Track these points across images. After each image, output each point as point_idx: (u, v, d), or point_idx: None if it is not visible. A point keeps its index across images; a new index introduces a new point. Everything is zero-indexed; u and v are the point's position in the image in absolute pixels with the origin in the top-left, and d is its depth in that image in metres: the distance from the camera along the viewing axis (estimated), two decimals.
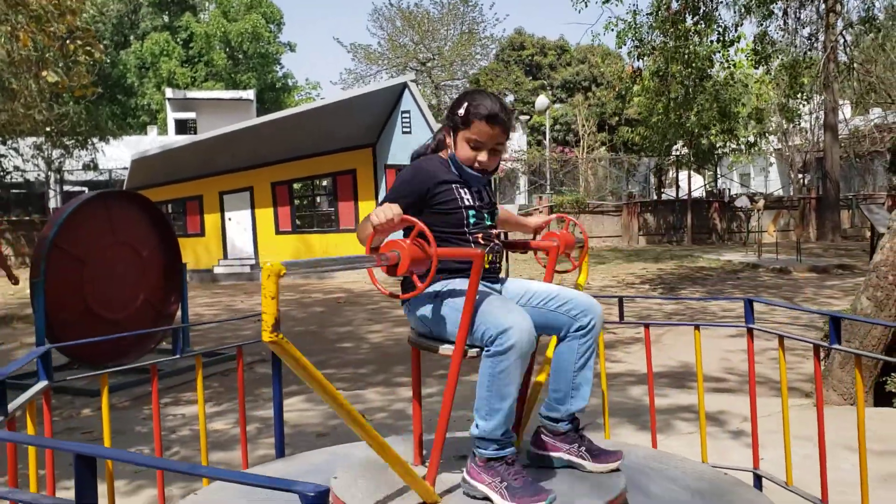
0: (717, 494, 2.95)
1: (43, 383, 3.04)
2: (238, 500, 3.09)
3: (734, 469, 3.77)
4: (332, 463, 3.28)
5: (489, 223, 2.91)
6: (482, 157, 2.83)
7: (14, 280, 10.28)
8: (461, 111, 2.83)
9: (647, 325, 4.25)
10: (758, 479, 3.82)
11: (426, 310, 2.79)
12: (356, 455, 3.20)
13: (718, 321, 10.52)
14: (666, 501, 2.86)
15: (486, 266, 2.82)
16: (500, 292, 2.89)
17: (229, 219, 20.01)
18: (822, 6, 21.18)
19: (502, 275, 3.03)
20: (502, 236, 3.13)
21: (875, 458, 4.33)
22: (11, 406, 2.66)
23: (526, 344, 2.53)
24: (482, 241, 2.85)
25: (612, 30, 16.49)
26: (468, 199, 2.86)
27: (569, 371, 2.83)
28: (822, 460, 3.41)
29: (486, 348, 2.57)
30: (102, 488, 3.38)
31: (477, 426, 2.62)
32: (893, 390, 5.91)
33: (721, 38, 15.50)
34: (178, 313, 9.50)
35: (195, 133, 32.59)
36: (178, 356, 3.73)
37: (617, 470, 2.83)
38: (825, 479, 3.41)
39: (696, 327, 4.08)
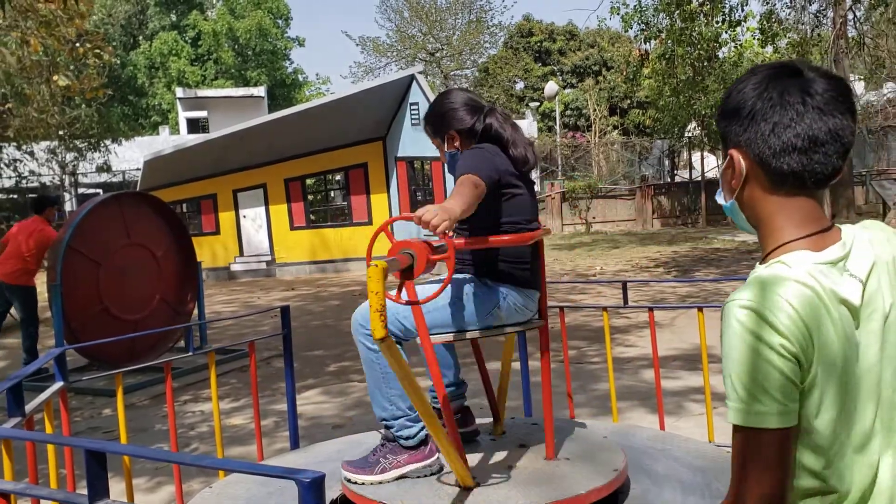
0: (718, 472, 3.00)
1: (59, 384, 3.13)
2: (254, 492, 3.17)
3: None
4: (343, 452, 3.36)
5: None
6: None
7: None
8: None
9: (651, 309, 4.32)
10: None
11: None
12: (367, 444, 3.27)
13: None
14: (668, 480, 2.92)
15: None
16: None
17: (244, 216, 20.13)
18: None
19: None
20: None
21: None
22: (29, 407, 2.75)
23: None
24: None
25: (618, 14, 16.43)
26: None
27: None
28: None
29: None
30: (122, 486, 3.48)
31: None
32: None
33: (727, 18, 15.43)
34: (196, 311, 9.62)
35: (207, 132, 32.73)
36: (190, 354, 3.82)
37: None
38: None
39: (700, 309, 4.14)
